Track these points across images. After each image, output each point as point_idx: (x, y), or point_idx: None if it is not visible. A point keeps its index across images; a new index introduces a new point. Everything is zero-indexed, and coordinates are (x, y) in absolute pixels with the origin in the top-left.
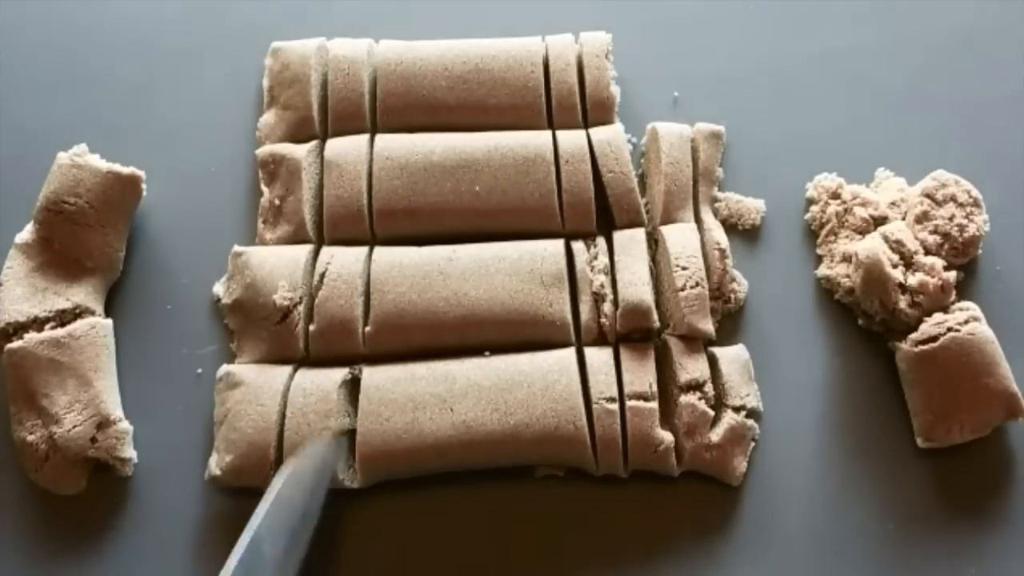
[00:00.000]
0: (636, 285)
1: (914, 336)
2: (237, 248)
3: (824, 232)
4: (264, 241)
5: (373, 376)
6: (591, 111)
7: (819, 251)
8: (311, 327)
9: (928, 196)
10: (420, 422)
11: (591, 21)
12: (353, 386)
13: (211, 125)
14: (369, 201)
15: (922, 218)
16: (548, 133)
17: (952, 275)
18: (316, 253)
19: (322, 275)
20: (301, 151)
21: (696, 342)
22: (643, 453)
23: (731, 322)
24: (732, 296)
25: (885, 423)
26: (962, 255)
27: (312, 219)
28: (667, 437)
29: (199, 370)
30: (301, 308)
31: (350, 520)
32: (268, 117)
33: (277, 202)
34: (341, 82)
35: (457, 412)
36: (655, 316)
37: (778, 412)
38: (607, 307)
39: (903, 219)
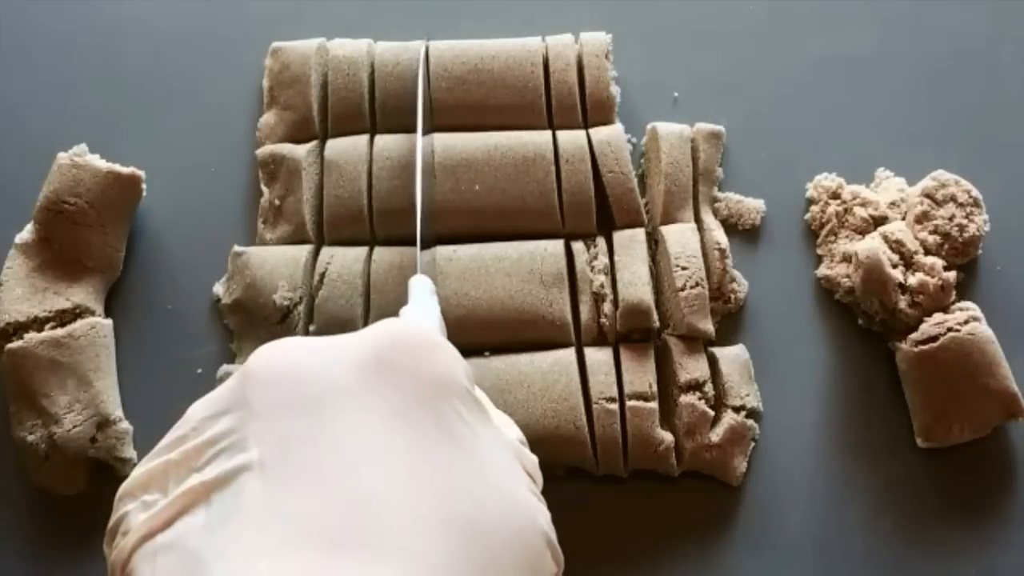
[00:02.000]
0: (636, 285)
1: (914, 336)
2: (237, 248)
3: (824, 232)
4: (264, 241)
5: None
6: (591, 111)
7: (819, 251)
8: (311, 327)
9: (928, 196)
10: None
11: (591, 21)
12: None
13: (211, 125)
14: (369, 201)
15: (922, 218)
16: (548, 133)
17: (952, 275)
18: (316, 253)
19: (322, 275)
20: (301, 151)
21: (696, 342)
22: (643, 453)
23: (731, 322)
24: (732, 296)
25: (885, 423)
26: (962, 255)
27: (312, 219)
28: (667, 437)
29: (199, 370)
30: (301, 308)
31: None
32: (268, 117)
33: (277, 202)
34: (341, 83)
35: None
36: (655, 316)
37: (778, 412)
38: (607, 307)
39: (903, 219)
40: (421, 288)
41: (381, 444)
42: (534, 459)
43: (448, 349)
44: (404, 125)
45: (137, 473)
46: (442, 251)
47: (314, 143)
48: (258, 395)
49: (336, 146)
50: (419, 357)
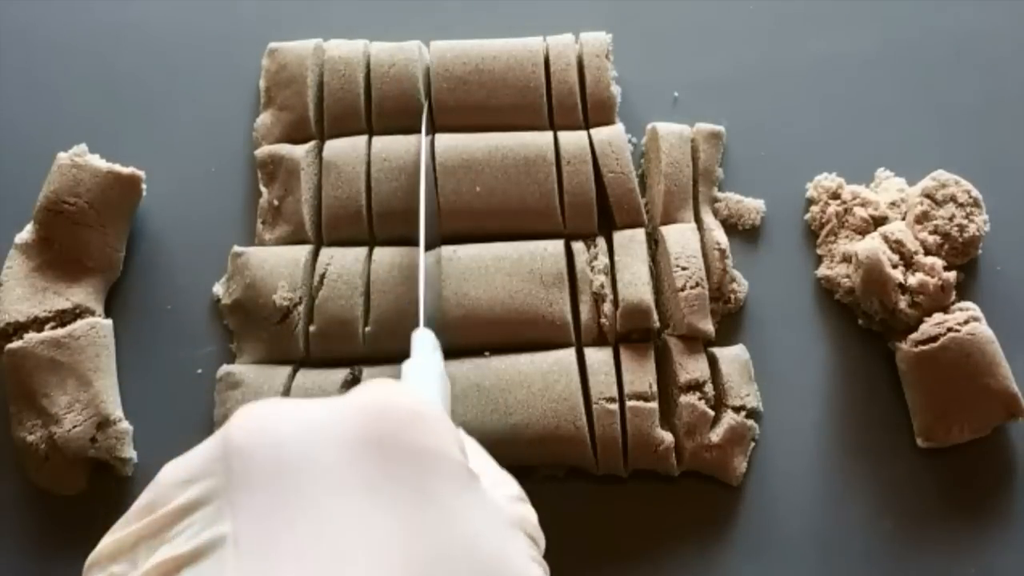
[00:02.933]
0: (636, 285)
1: (914, 336)
2: (237, 248)
3: (824, 232)
4: (263, 241)
5: (373, 376)
6: (592, 111)
7: (819, 251)
8: (311, 327)
9: (928, 196)
10: None
11: (591, 21)
12: (353, 387)
13: (211, 125)
14: (368, 202)
15: (922, 218)
16: (549, 134)
17: (952, 275)
18: (316, 253)
19: (322, 275)
20: (300, 152)
21: (696, 342)
22: (643, 453)
23: (731, 322)
24: (732, 296)
25: (885, 423)
26: (962, 255)
27: (311, 219)
28: (667, 437)
29: (199, 370)
30: (301, 308)
31: None
32: (265, 118)
33: (276, 203)
34: (337, 84)
35: (457, 413)
36: (655, 316)
37: (778, 412)
38: (607, 307)
39: (903, 219)
40: (424, 342)
41: (363, 522)
42: (534, 518)
43: (438, 421)
44: (401, 126)
45: (105, 543)
46: (442, 251)
47: (313, 143)
48: (236, 463)
49: (334, 147)
50: (408, 432)
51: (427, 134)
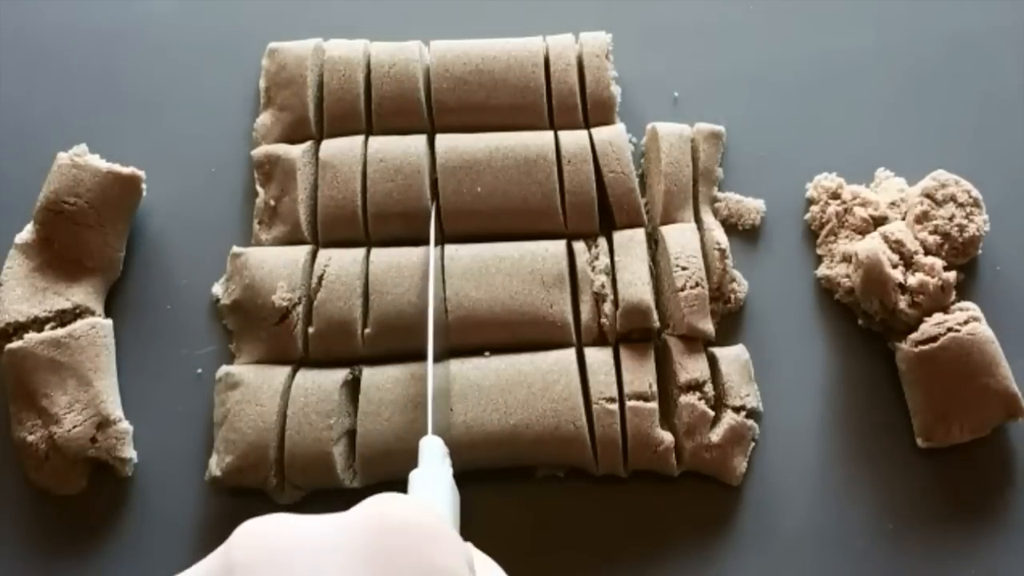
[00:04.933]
0: (636, 285)
1: (914, 336)
2: (236, 249)
3: (824, 232)
4: (260, 242)
5: (373, 376)
6: (592, 111)
7: (819, 251)
8: (310, 329)
9: (928, 196)
10: (420, 422)
11: (591, 21)
12: (353, 386)
13: (211, 125)
14: (364, 203)
15: (922, 218)
16: (549, 134)
17: (952, 275)
18: (315, 254)
19: (320, 276)
20: (296, 152)
21: (696, 342)
22: (643, 453)
23: (731, 322)
24: (732, 296)
25: (885, 423)
26: (962, 255)
27: (307, 220)
28: (667, 437)
29: (199, 370)
30: (300, 309)
31: None
32: (264, 118)
33: (272, 203)
34: (337, 84)
35: (457, 412)
36: (655, 316)
37: (778, 412)
38: (607, 307)
39: (903, 219)
40: (432, 451)
41: None
42: None
43: (447, 538)
44: (401, 126)
45: None
46: (444, 251)
47: (309, 143)
48: None
49: (331, 147)
50: (415, 548)
51: (436, 244)
